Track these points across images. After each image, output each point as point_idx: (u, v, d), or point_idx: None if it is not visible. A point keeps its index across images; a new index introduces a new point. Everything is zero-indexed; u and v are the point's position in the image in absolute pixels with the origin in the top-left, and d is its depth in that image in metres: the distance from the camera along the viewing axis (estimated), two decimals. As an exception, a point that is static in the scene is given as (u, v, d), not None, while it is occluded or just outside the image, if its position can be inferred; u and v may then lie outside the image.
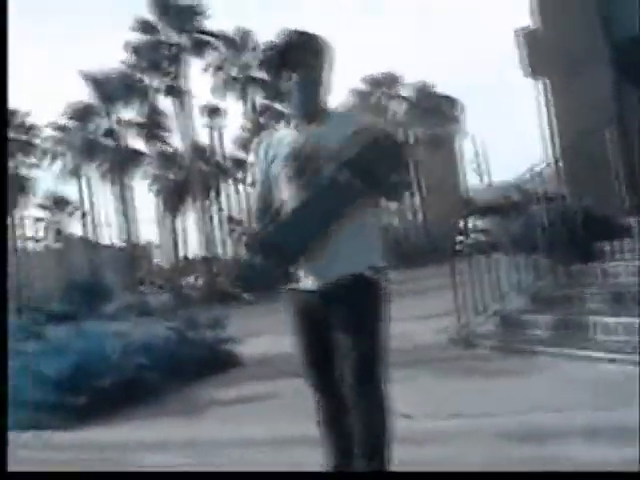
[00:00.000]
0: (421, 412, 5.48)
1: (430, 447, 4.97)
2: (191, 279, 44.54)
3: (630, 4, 11.76)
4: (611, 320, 6.88)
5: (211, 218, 51.02)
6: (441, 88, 62.37)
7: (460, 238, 9.19)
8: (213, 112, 43.26)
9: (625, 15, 11.12)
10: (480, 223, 9.09)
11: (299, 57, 3.50)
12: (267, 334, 12.79)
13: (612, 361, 6.23)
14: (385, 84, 58.48)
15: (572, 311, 7.75)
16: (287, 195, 3.52)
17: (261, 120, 46.66)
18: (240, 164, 61.82)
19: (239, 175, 61.53)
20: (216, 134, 45.18)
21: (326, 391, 3.66)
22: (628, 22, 11.78)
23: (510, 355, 7.46)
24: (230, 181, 58.94)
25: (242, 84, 44.23)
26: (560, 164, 9.42)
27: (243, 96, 44.54)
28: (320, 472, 3.51)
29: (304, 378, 3.77)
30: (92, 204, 48.81)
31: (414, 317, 11.70)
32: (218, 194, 49.25)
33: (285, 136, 3.60)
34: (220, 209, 48.58)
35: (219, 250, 50.85)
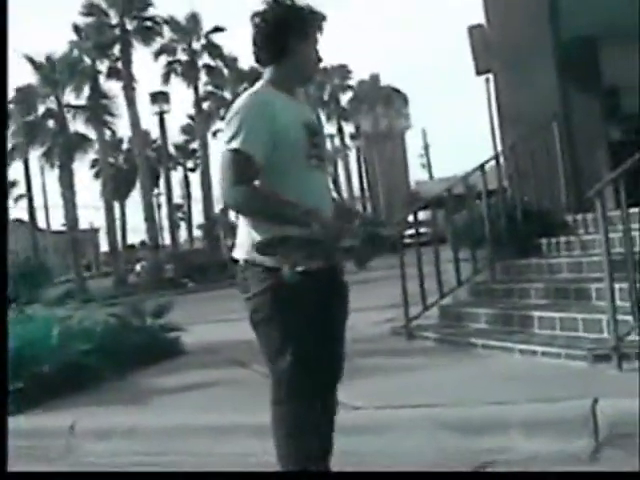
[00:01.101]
0: (367, 403, 5.54)
1: (374, 437, 5.03)
2: (136, 266, 44.22)
3: (579, 1, 11.93)
4: (551, 314, 7.01)
5: (158, 205, 50.75)
6: (390, 82, 62.67)
7: (408, 231, 9.26)
8: (159, 98, 42.84)
9: (572, 11, 11.28)
10: (426, 216, 9.16)
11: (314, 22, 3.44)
12: (211, 322, 12.82)
13: (551, 355, 6.36)
14: (336, 76, 58.50)
15: (512, 305, 7.87)
16: (298, 171, 3.36)
17: (205, 107, 46.38)
18: (185, 151, 61.48)
19: (184, 162, 61.22)
20: (162, 120, 44.67)
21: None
22: (575, 18, 11.96)
23: (451, 347, 7.57)
24: (176, 168, 58.66)
25: (188, 70, 43.90)
26: (503, 159, 9.54)
27: (189, 82, 44.20)
28: (320, 472, 3.52)
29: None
30: (33, 188, 48.22)
31: (359, 309, 11.79)
32: (165, 180, 48.83)
33: (288, 105, 3.41)
34: (167, 196, 48.18)
35: (165, 237, 50.61)
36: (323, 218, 3.28)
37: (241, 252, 3.43)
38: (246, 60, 44.34)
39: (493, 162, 9.28)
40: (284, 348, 3.34)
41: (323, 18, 3.47)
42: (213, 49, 45.12)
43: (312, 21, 3.44)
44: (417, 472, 4.23)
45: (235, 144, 3.27)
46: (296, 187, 3.34)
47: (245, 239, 3.41)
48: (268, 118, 3.30)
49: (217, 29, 45.03)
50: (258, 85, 3.48)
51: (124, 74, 38.64)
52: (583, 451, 4.42)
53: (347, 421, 5.29)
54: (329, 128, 58.34)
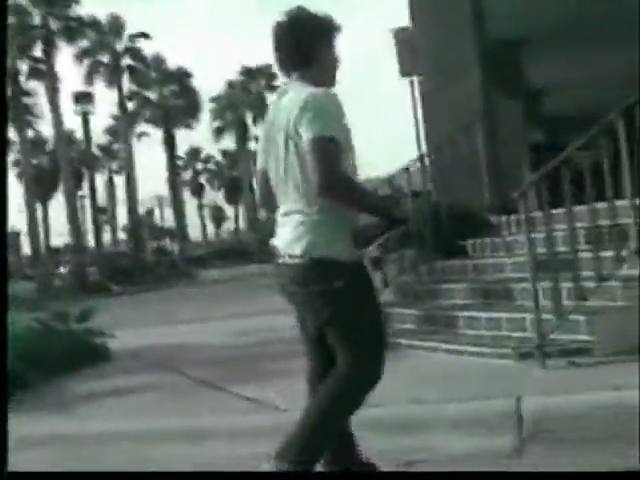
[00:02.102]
0: (293, 405, 5.53)
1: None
2: (60, 269, 43.52)
3: (501, 5, 12.11)
4: (476, 314, 7.10)
5: (81, 207, 49.98)
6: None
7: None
8: (82, 98, 42.34)
9: (496, 16, 11.45)
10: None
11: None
12: (138, 326, 12.68)
13: (477, 354, 6.43)
14: (261, 76, 58.31)
15: (438, 305, 7.95)
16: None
17: (130, 107, 45.92)
18: (110, 152, 60.72)
19: (108, 163, 60.45)
20: (86, 120, 44.15)
21: None
22: (499, 22, 12.13)
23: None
24: (100, 170, 57.86)
25: (112, 71, 43.43)
26: (428, 160, 9.63)
27: (112, 83, 43.74)
28: (321, 472, 3.53)
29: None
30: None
31: (287, 310, 11.79)
32: (89, 182, 48.16)
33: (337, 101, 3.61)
34: (91, 198, 47.52)
35: (89, 240, 49.89)
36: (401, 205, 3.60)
37: (306, 249, 3.50)
38: (172, 61, 44.02)
39: (418, 163, 9.36)
40: (362, 330, 3.58)
41: (340, 28, 3.77)
42: (136, 52, 44.74)
43: (335, 29, 3.75)
44: (418, 472, 4.25)
45: (328, 132, 3.42)
46: None
47: (309, 237, 3.50)
48: (342, 116, 3.58)
49: (142, 34, 44.67)
50: (298, 84, 3.64)
51: (47, 74, 38.02)
52: (507, 447, 4.48)
53: (273, 422, 5.30)
54: (255, 130, 58.27)
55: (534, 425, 4.56)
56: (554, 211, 6.28)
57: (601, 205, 6.35)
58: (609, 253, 6.26)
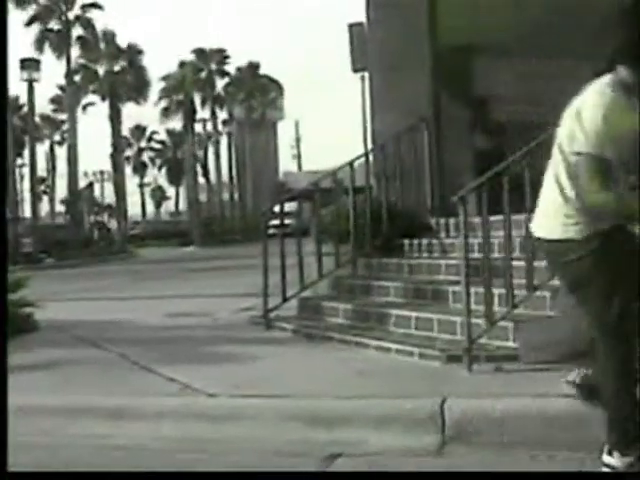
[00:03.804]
0: (221, 390, 5.53)
1: (225, 425, 5.04)
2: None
3: (456, 11, 12.21)
4: (407, 313, 7.16)
5: (20, 176, 49.15)
6: (268, 71, 62.53)
7: (274, 221, 9.27)
8: (29, 65, 41.60)
9: (450, 20, 11.54)
10: (293, 208, 9.20)
11: None
12: (68, 300, 12.55)
13: (406, 353, 6.49)
14: (213, 60, 58.01)
15: (371, 302, 8.00)
16: None
17: (76, 79, 45.31)
18: (53, 122, 59.84)
19: (51, 133, 59.55)
20: (31, 88, 43.34)
21: None
22: (452, 27, 12.23)
23: (308, 340, 7.64)
24: (42, 139, 56.97)
25: (61, 39, 42.77)
26: (373, 158, 9.68)
27: (61, 52, 43.07)
28: (321, 472, 3.52)
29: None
30: None
31: (220, 295, 11.78)
32: (30, 151, 47.35)
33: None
34: (31, 167, 46.75)
35: (25, 210, 49.10)
36: None
37: (559, 233, 3.83)
38: (123, 37, 43.43)
39: (363, 159, 9.40)
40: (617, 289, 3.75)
41: None
42: (86, 22, 44.12)
43: None
44: (417, 472, 4.27)
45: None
46: None
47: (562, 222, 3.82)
48: None
49: (94, 5, 44.07)
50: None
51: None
52: (430, 446, 4.55)
53: (200, 408, 5.31)
54: (202, 112, 57.93)
55: (456, 426, 4.63)
56: (493, 217, 6.35)
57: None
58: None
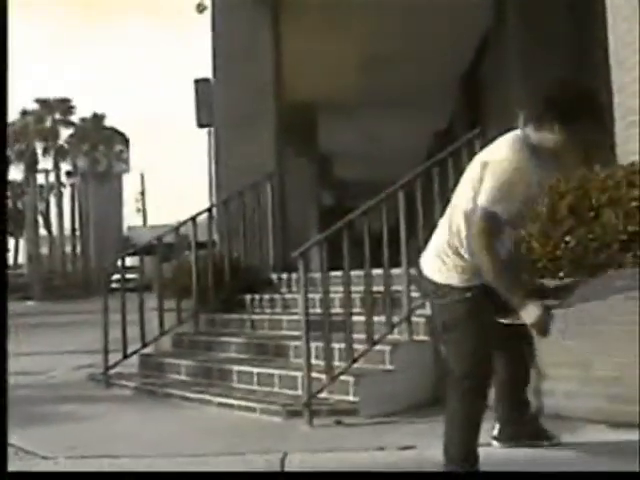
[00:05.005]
0: (56, 452, 5.34)
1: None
2: None
3: (301, 69, 12.48)
4: (249, 369, 7.14)
5: None
6: (113, 122, 61.81)
7: (116, 276, 9.11)
8: None
9: (294, 78, 11.79)
10: (135, 262, 9.06)
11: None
12: None
13: (248, 409, 6.46)
14: (58, 109, 56.89)
15: (213, 358, 7.94)
16: None
17: None
18: None
19: None
20: None
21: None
22: (297, 85, 12.48)
23: (149, 398, 7.50)
24: None
25: None
26: (216, 213, 9.67)
27: None
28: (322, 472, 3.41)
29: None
30: None
31: (58, 352, 11.43)
32: None
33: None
34: None
35: None
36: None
37: (440, 277, 3.99)
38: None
39: (206, 214, 9.39)
40: (473, 347, 3.93)
41: None
42: None
43: None
44: (417, 472, 4.18)
45: None
46: None
47: (446, 267, 3.96)
48: None
49: None
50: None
51: None
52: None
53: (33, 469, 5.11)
54: (45, 163, 56.60)
55: (295, 481, 4.63)
56: (333, 273, 6.45)
57: (377, 271, 6.59)
58: (382, 318, 6.49)
